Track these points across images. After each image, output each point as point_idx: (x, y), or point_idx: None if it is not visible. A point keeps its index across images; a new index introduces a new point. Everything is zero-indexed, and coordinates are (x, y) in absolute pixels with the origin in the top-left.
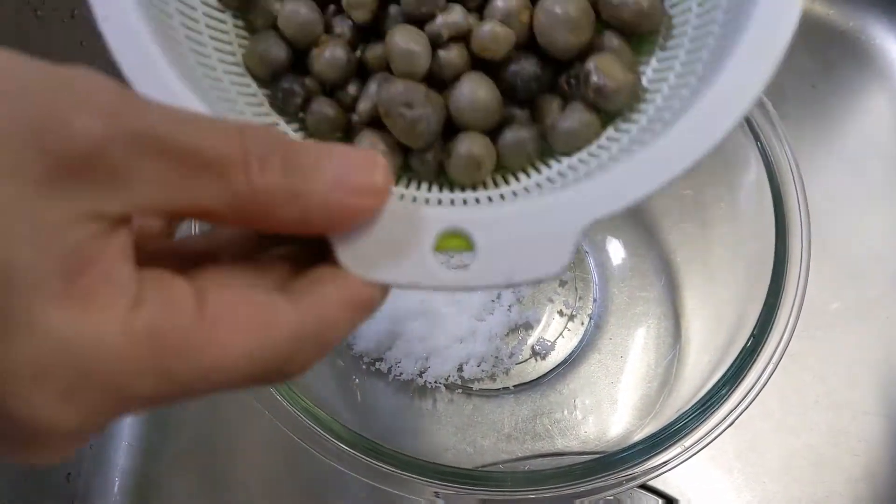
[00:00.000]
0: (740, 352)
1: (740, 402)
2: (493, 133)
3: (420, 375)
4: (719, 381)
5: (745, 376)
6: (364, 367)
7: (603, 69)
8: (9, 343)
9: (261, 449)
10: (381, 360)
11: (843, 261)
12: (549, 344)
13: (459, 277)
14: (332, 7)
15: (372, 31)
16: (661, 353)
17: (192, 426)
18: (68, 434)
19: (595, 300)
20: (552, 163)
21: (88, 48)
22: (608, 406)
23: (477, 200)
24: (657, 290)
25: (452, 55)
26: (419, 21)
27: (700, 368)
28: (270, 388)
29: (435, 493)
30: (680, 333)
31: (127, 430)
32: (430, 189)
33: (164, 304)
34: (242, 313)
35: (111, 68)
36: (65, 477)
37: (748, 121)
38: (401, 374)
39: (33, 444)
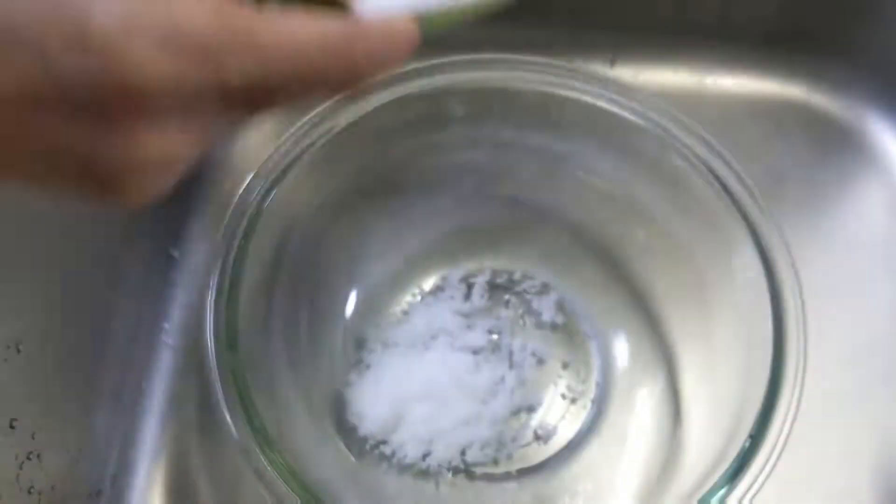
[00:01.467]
0: (739, 452)
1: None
2: None
3: (423, 459)
4: (719, 479)
5: (746, 471)
6: (368, 449)
7: None
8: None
9: None
10: (385, 443)
11: (839, 346)
12: (552, 428)
13: None
14: None
15: None
16: (662, 439)
17: (201, 501)
18: (163, 93)
19: (597, 384)
20: None
21: None
22: (609, 492)
23: None
24: (658, 375)
25: None
26: None
27: (702, 456)
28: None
29: None
30: (681, 419)
31: None
32: None
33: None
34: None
35: None
36: None
37: (742, 211)
38: (404, 456)
39: (132, 118)
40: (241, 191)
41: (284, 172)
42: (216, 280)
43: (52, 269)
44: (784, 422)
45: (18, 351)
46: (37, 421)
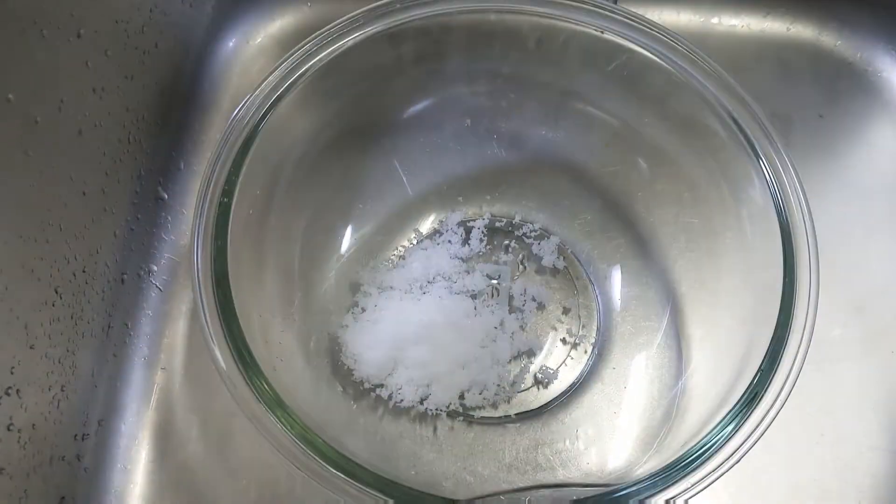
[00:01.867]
0: (747, 388)
1: (747, 439)
2: None
3: (421, 402)
4: (725, 416)
5: (752, 412)
6: (364, 392)
7: None
8: None
9: (261, 471)
10: (381, 386)
11: (847, 291)
12: (552, 372)
13: None
14: None
15: None
16: (665, 385)
17: (190, 446)
18: None
19: (598, 329)
20: None
21: (94, 68)
22: (610, 437)
23: None
24: (662, 320)
25: None
26: None
27: (704, 402)
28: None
29: None
30: (684, 365)
31: (123, 452)
32: None
33: None
34: None
35: (115, 87)
36: (58, 501)
37: (755, 151)
38: (401, 400)
39: None
40: (231, 118)
41: (276, 102)
42: (203, 214)
43: (35, 202)
44: (793, 364)
45: None
46: (16, 355)
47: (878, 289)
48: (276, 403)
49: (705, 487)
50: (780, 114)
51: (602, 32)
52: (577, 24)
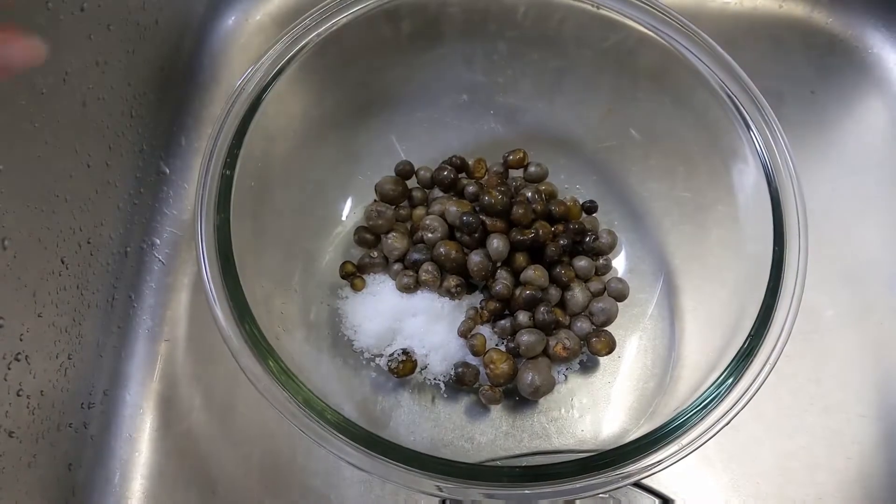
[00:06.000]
0: (737, 353)
1: (736, 403)
2: None
3: (419, 372)
4: (716, 380)
5: (741, 377)
6: (364, 362)
7: None
8: None
9: (263, 440)
10: (381, 355)
11: (837, 265)
12: None
13: None
14: None
15: None
16: (658, 354)
17: (193, 416)
18: None
19: None
20: None
21: (97, 41)
22: (604, 405)
23: None
24: (655, 292)
25: None
26: None
27: (696, 370)
28: (273, 380)
29: (437, 486)
30: (676, 335)
31: (128, 422)
32: None
33: None
34: None
35: (117, 61)
36: (66, 467)
37: (747, 124)
38: None
39: None
40: (232, 92)
41: (276, 76)
42: (206, 186)
43: (41, 172)
44: (782, 330)
45: (4, 247)
46: (24, 323)
47: (867, 261)
48: (280, 370)
49: (694, 450)
50: (771, 89)
51: (597, 8)
52: (573, 0)
